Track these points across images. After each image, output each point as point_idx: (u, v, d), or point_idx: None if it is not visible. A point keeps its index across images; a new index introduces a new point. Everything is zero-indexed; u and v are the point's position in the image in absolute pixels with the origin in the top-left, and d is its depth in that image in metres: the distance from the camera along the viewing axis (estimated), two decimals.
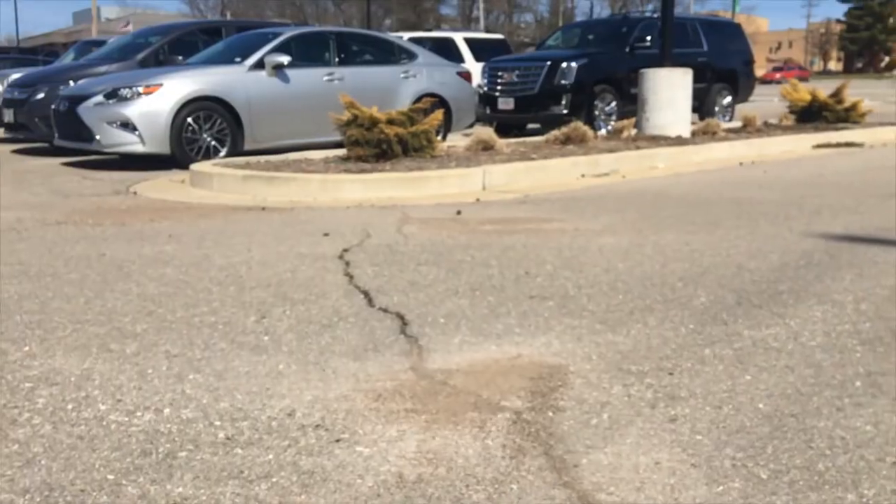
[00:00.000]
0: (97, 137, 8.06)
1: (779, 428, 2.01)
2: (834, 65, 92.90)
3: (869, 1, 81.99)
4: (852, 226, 4.60)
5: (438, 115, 7.36)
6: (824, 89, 11.36)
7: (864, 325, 2.81)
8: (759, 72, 42.29)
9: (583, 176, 6.96)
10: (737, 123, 10.77)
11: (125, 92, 8.01)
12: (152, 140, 7.94)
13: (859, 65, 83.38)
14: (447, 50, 14.04)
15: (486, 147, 7.68)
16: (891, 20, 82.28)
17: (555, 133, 8.37)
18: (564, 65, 11.20)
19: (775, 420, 2.05)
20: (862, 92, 16.33)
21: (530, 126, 12.19)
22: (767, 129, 10.14)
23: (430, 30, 18.40)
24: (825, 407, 2.13)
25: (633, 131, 8.99)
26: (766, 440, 1.94)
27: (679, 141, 8.52)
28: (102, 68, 10.25)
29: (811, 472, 1.79)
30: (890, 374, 2.35)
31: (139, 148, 7.97)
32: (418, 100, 9.00)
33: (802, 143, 9.27)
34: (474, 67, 12.92)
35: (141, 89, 7.99)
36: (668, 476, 1.78)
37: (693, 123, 9.39)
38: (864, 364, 2.44)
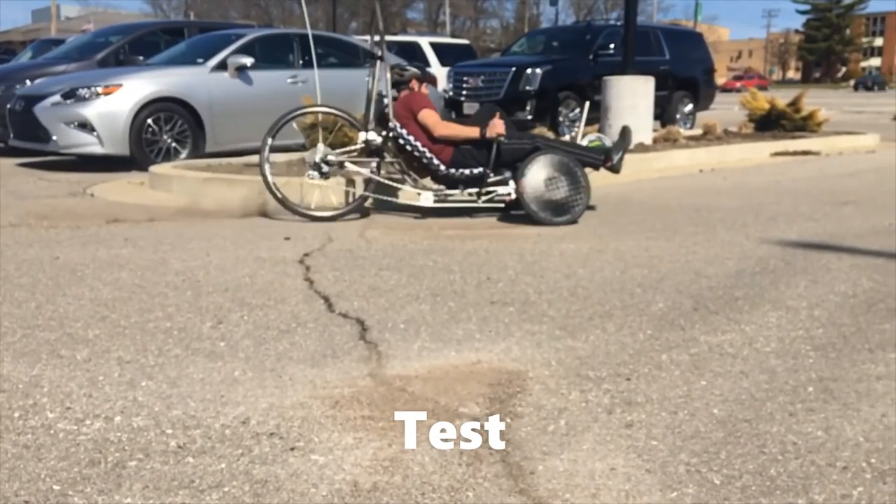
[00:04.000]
0: (54, 138, 7.89)
1: (732, 433, 2.03)
2: (793, 74, 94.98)
3: (827, 13, 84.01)
4: (807, 233, 4.68)
5: None
6: (783, 98, 11.58)
7: (818, 331, 2.86)
8: (720, 80, 43.05)
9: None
10: (697, 131, 10.91)
11: (83, 92, 7.87)
12: (111, 141, 7.80)
13: (817, 74, 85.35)
14: (413, 54, 14.04)
15: None
16: (847, 32, 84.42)
17: None
18: (529, 71, 11.26)
19: (729, 425, 2.08)
20: (819, 101, 16.70)
21: None
22: (727, 136, 10.29)
23: (396, 34, 18.39)
24: (778, 412, 2.16)
25: None
26: (719, 445, 1.96)
27: (641, 148, 8.60)
28: (60, 67, 10.04)
29: (763, 478, 1.81)
30: (841, 380, 2.39)
31: (97, 149, 7.82)
32: None
33: (761, 150, 9.42)
34: (440, 72, 12.92)
35: (100, 89, 7.85)
36: (624, 482, 1.79)
37: (655, 130, 9.50)
38: (816, 370, 2.48)
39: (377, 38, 5.43)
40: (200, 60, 8.60)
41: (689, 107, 13.46)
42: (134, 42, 10.61)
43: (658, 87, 9.53)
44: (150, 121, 7.95)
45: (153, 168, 6.89)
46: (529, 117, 11.02)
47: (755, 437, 2.01)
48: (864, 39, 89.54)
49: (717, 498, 1.72)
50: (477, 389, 2.31)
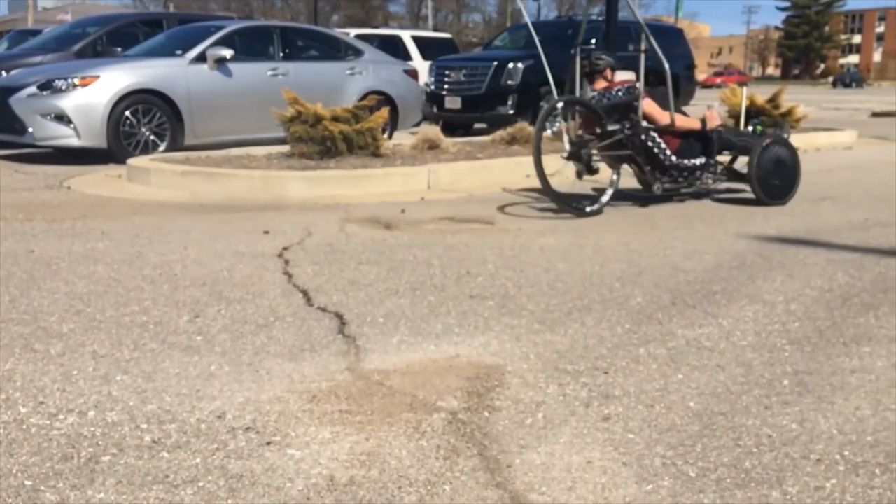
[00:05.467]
0: (30, 130, 7.78)
1: (708, 426, 2.04)
2: (772, 70, 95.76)
3: (806, 10, 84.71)
4: (784, 228, 4.72)
5: (384, 112, 7.31)
6: (762, 94, 11.65)
7: (793, 325, 2.88)
8: (701, 76, 43.24)
9: (528, 176, 6.97)
10: None
11: (60, 83, 7.76)
12: (88, 133, 7.70)
13: (796, 71, 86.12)
14: (395, 48, 13.99)
15: (432, 146, 7.66)
16: (826, 29, 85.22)
17: (500, 133, 8.39)
18: (511, 65, 11.25)
19: (705, 418, 2.09)
20: (798, 98, 16.82)
21: (477, 125, 12.22)
22: None
23: (377, 27, 18.34)
24: (753, 405, 2.18)
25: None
26: (695, 438, 1.97)
27: None
28: (37, 58, 9.90)
29: (738, 470, 1.82)
30: (816, 374, 2.42)
31: (74, 141, 7.73)
32: (364, 97, 8.94)
33: None
34: (422, 66, 12.89)
35: (77, 81, 7.75)
36: (600, 475, 1.79)
37: None
38: (791, 363, 2.50)
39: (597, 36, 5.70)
40: (179, 52, 8.51)
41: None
42: (112, 33, 10.48)
43: None
44: (128, 113, 7.86)
45: (131, 161, 6.82)
46: (511, 112, 11.02)
47: (731, 429, 2.02)
48: (843, 37, 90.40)
49: (692, 490, 1.73)
50: (455, 383, 2.31)
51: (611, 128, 5.17)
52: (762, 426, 2.05)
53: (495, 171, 6.90)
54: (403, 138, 8.88)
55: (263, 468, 1.79)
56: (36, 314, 2.90)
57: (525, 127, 8.40)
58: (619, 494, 1.71)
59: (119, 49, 9.78)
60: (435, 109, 11.75)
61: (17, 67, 9.53)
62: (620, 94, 5.27)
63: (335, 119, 6.80)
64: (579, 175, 5.20)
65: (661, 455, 1.88)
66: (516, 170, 7.02)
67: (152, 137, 8.04)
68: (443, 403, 2.17)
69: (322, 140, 6.73)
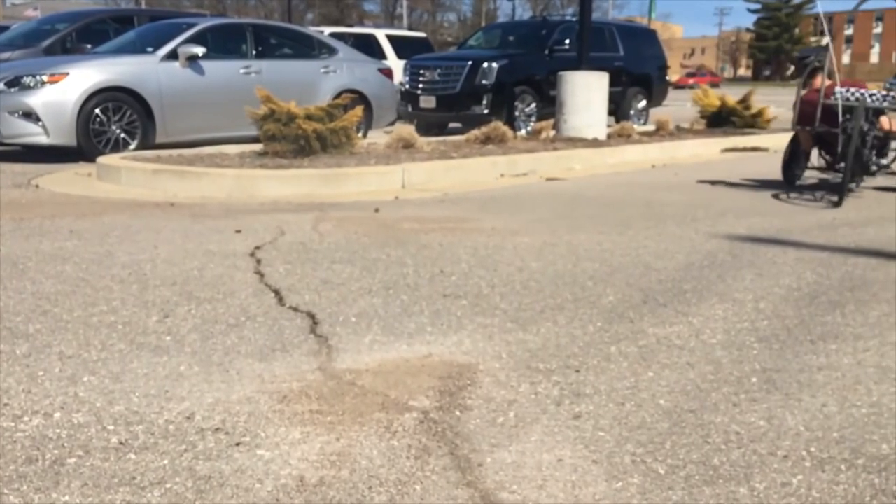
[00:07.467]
0: None
1: (678, 423, 2.06)
2: (744, 71, 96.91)
3: (777, 12, 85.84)
4: (755, 227, 4.78)
5: (358, 111, 7.30)
6: (734, 95, 11.78)
7: (762, 323, 2.91)
8: (673, 77, 43.66)
9: (501, 176, 7.02)
10: (650, 127, 11.05)
11: (28, 80, 7.64)
12: (57, 131, 7.60)
13: (767, 72, 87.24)
14: (369, 46, 13.97)
15: (407, 145, 7.65)
16: (796, 31, 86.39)
17: (475, 132, 8.41)
18: (485, 65, 11.28)
19: (675, 416, 2.11)
20: (768, 99, 17.03)
21: (451, 125, 12.24)
22: (679, 133, 10.45)
23: (352, 25, 18.25)
24: (722, 403, 2.20)
25: (552, 132, 9.11)
26: (665, 436, 1.99)
27: (595, 143, 8.70)
28: (5, 55, 9.74)
29: (707, 467, 1.84)
30: (784, 371, 2.45)
31: (43, 139, 7.61)
32: (338, 95, 8.92)
33: (712, 147, 9.59)
34: (396, 65, 12.88)
35: (45, 78, 7.63)
36: (570, 473, 1.80)
37: (609, 126, 9.60)
38: (760, 361, 2.53)
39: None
40: (150, 49, 8.42)
41: (643, 103, 13.63)
42: (82, 30, 10.33)
43: (612, 83, 9.64)
44: (97, 111, 7.76)
45: (101, 159, 6.73)
46: (485, 111, 11.05)
47: (700, 427, 2.04)
48: (812, 39, 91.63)
49: (661, 487, 1.74)
50: (427, 383, 2.31)
51: (866, 128, 5.81)
52: (731, 423, 2.07)
53: (469, 170, 6.91)
54: (378, 137, 8.86)
55: (232, 469, 1.78)
56: (1, 314, 2.84)
57: (499, 126, 8.42)
58: (589, 492, 1.72)
59: (89, 46, 9.66)
60: (409, 108, 11.75)
61: None
62: (886, 100, 5.87)
63: (309, 117, 6.77)
64: (862, 174, 5.93)
65: (631, 453, 1.90)
66: (490, 169, 7.04)
67: (123, 135, 7.95)
68: (415, 403, 2.16)
69: (295, 139, 6.70)
